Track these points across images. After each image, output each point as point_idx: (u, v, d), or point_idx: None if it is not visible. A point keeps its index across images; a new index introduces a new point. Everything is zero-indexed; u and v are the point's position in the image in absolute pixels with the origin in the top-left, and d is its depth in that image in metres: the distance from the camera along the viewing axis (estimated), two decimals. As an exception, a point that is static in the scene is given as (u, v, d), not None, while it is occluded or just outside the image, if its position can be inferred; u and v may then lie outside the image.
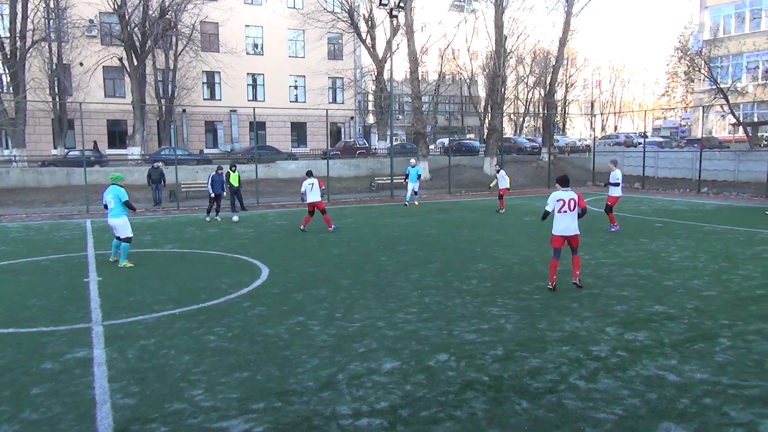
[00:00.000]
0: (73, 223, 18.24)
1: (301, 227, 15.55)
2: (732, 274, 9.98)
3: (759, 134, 36.53)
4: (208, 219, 18.49)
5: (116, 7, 31.64)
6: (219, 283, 9.72)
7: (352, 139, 44.98)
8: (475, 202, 23.94)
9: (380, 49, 38.56)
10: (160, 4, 33.55)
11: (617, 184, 15.32)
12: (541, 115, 47.49)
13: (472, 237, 14.50)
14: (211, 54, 41.20)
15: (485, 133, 40.52)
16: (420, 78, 34.40)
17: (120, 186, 11.26)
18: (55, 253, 12.89)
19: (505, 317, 7.65)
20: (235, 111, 42.87)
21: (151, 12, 33.58)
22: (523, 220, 17.88)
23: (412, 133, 39.52)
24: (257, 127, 36.30)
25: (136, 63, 33.23)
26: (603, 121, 73.78)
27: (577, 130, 72.59)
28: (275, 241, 14.44)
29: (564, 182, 9.13)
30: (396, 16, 31.03)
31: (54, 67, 34.80)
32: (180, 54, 38.44)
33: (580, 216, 9.06)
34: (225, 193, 19.26)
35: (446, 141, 45.04)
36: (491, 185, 21.82)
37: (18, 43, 29.37)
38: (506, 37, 37.56)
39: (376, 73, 40.86)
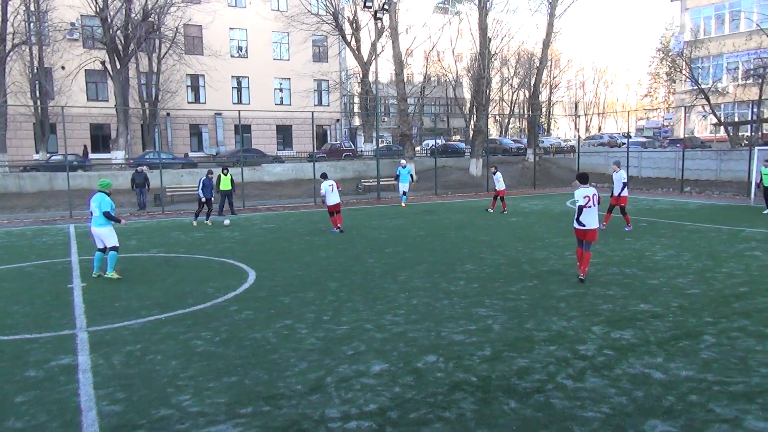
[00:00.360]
0: (56, 229, 18.03)
1: (333, 229, 15.99)
2: (715, 272, 10.11)
3: (740, 134, 37.08)
4: (195, 223, 18.34)
5: (98, 10, 31.29)
6: (206, 288, 9.66)
7: (338, 142, 44.89)
8: (461, 204, 24.02)
9: (365, 52, 38.54)
10: (143, 7, 33.19)
11: (626, 185, 15.50)
12: (525, 116, 47.75)
13: (459, 238, 14.55)
14: (195, 57, 40.88)
15: (471, 135, 40.68)
16: (405, 80, 34.50)
17: (106, 194, 10.46)
18: (39, 258, 12.74)
19: (493, 318, 7.68)
20: (220, 114, 42.67)
21: (133, 15, 33.22)
22: (510, 220, 17.98)
23: (398, 135, 39.60)
24: (242, 130, 36.06)
25: (119, 66, 32.85)
26: (587, 121, 74.51)
27: (562, 131, 73.14)
28: (262, 244, 14.38)
29: (584, 179, 9.67)
30: (381, 19, 31.09)
31: (35, 70, 34.31)
32: (163, 57, 38.11)
33: None
34: (213, 198, 19.06)
35: (432, 143, 45.16)
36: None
37: (-2, 47, 28.94)
38: (490, 39, 37.81)
39: (361, 76, 40.84)
